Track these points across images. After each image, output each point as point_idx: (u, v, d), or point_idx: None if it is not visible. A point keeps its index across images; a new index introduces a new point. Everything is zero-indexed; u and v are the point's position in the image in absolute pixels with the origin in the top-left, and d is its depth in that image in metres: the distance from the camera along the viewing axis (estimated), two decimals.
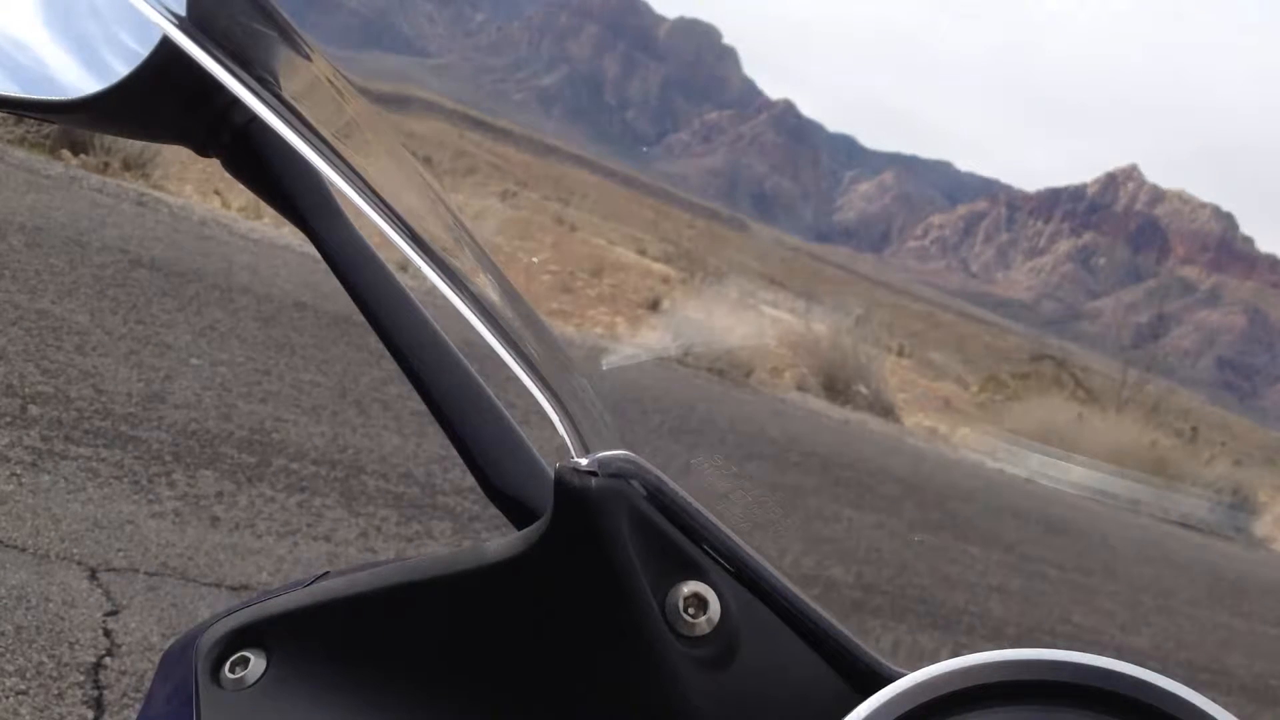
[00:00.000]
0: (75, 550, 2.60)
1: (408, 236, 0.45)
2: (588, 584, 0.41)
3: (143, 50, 0.53)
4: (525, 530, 0.43)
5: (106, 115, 0.57)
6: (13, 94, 0.57)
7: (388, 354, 0.54)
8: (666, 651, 0.40)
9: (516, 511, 0.52)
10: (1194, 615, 6.47)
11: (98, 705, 2.16)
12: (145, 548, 2.72)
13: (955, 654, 0.39)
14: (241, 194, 7.18)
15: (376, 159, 0.52)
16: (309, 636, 0.45)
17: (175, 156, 7.87)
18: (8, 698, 2.08)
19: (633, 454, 0.42)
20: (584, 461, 0.41)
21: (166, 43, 0.52)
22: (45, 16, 0.59)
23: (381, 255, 0.55)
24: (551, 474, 0.42)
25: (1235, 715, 0.36)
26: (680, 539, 0.41)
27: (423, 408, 0.54)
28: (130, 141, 6.23)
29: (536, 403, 0.43)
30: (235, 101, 0.51)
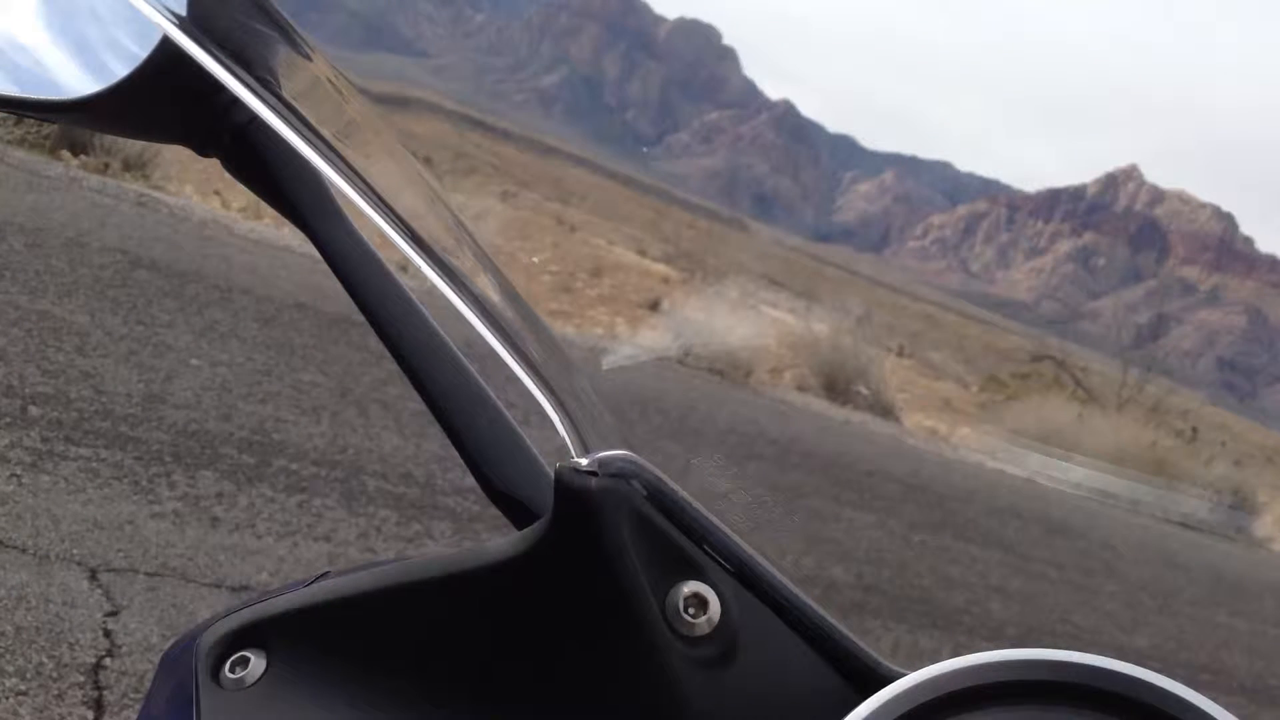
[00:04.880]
0: (75, 550, 2.60)
1: (408, 236, 0.45)
2: (588, 584, 0.41)
3: (143, 50, 0.53)
4: (525, 530, 0.43)
5: (106, 115, 0.57)
6: (13, 94, 0.57)
7: (388, 354, 0.54)
8: (666, 651, 0.40)
9: (516, 511, 0.52)
10: (1194, 615, 6.47)
11: (98, 706, 2.16)
12: (145, 548, 2.72)
13: (955, 654, 0.39)
14: (241, 194, 7.17)
15: (376, 159, 0.52)
16: (309, 636, 0.45)
17: (175, 156, 7.87)
18: (8, 698, 2.08)
19: (633, 454, 0.42)
20: (584, 461, 0.41)
21: (166, 43, 0.52)
22: (45, 17, 0.59)
23: (381, 255, 0.55)
24: (551, 474, 0.42)
25: (1235, 715, 0.36)
26: (680, 539, 0.41)
27: (423, 408, 0.54)
28: (130, 141, 6.24)
29: (536, 403, 0.43)
30: (235, 101, 0.51)
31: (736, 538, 0.42)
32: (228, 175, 0.57)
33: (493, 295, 0.49)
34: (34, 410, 3.23)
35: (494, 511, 0.53)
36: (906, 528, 5.89)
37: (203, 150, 0.57)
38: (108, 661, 2.28)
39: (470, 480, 0.54)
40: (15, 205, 5.48)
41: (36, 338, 3.78)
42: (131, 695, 2.21)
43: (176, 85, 0.53)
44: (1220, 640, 6.06)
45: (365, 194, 0.46)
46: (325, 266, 0.55)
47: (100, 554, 2.63)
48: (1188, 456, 13.82)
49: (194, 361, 4.13)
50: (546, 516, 0.42)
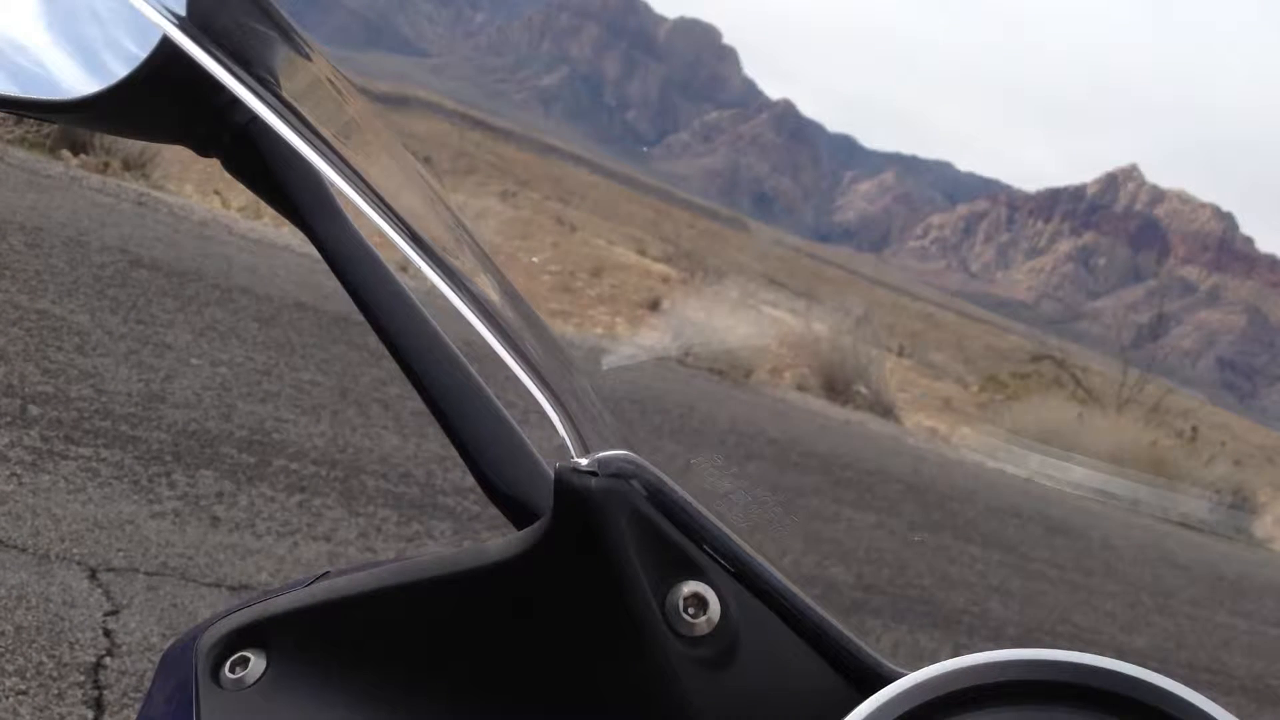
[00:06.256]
0: (75, 550, 2.60)
1: (408, 236, 0.45)
2: (588, 584, 0.41)
3: (143, 50, 0.53)
4: (525, 530, 0.43)
5: (107, 115, 0.57)
6: (13, 94, 0.57)
7: (388, 354, 0.54)
8: (666, 651, 0.40)
9: (516, 511, 0.52)
10: (1194, 615, 6.47)
11: (98, 705, 2.16)
12: (145, 548, 2.72)
13: (955, 654, 0.39)
14: (241, 194, 7.17)
15: (376, 159, 0.52)
16: (309, 636, 0.45)
17: (175, 156, 7.87)
18: (8, 698, 2.08)
19: (633, 454, 0.42)
20: (584, 461, 0.41)
21: (166, 43, 0.52)
22: (46, 17, 0.59)
23: (381, 255, 0.55)
24: (551, 474, 0.42)
25: (1235, 715, 0.36)
26: (680, 539, 0.41)
27: (423, 408, 0.54)
28: (130, 141, 6.24)
29: (536, 403, 0.43)
30: (235, 101, 0.51)
31: (736, 538, 0.42)
32: (228, 175, 0.57)
33: (493, 295, 0.49)
34: (34, 409, 3.23)
35: (494, 511, 0.53)
36: (906, 527, 5.89)
37: (203, 150, 0.57)
38: (108, 661, 2.28)
39: (470, 480, 0.54)
40: (15, 205, 5.48)
41: (36, 337, 3.78)
42: (131, 695, 2.21)
43: (176, 85, 0.53)
44: (1220, 640, 6.05)
45: (365, 194, 0.46)
46: (325, 266, 0.55)
47: (100, 553, 2.63)
48: (1188, 456, 13.81)
49: (194, 361, 4.13)
50: (546, 516, 0.42)
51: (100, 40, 0.57)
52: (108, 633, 2.36)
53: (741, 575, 0.41)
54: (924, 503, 7.00)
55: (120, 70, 0.54)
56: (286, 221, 0.57)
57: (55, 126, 6.15)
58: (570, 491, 0.41)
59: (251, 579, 2.77)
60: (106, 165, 7.42)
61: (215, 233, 6.76)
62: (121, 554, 2.66)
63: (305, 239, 0.56)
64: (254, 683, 0.45)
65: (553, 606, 0.42)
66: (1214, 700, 0.37)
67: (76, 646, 2.28)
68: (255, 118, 0.53)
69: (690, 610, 0.40)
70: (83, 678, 2.21)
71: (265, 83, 0.48)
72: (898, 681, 0.38)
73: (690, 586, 0.41)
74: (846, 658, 0.41)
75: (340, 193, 0.55)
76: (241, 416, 3.75)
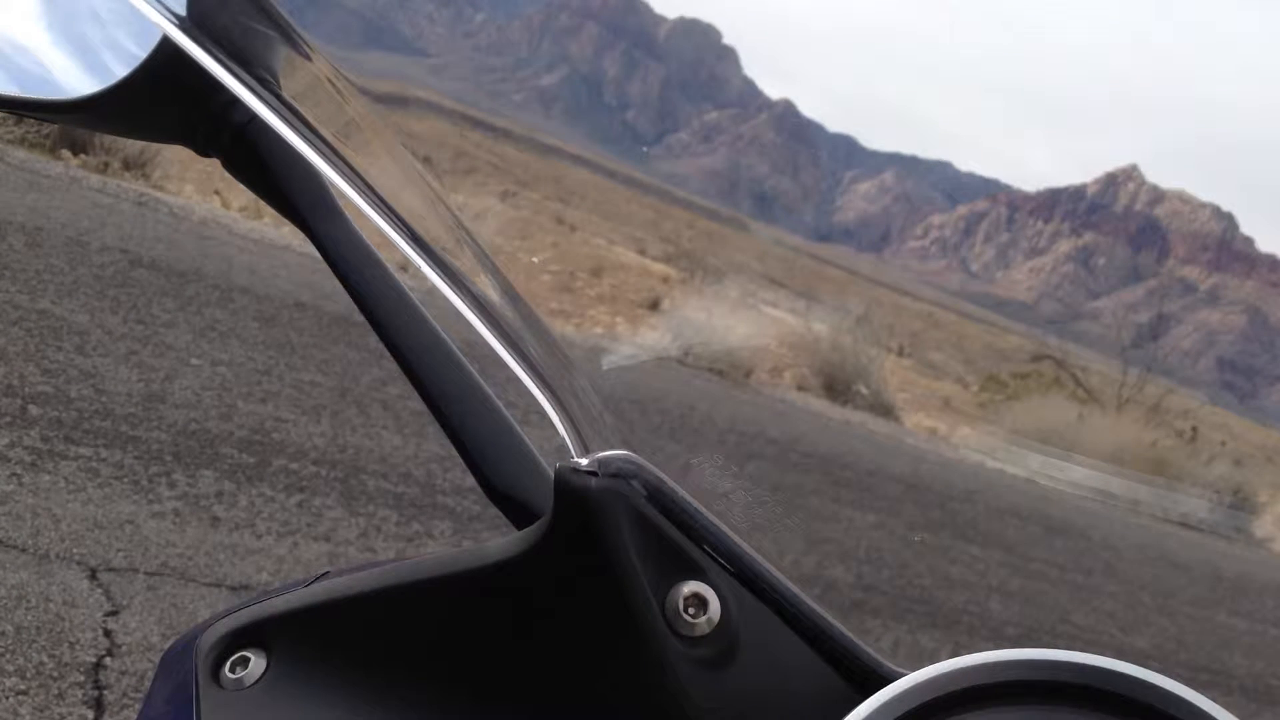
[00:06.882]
0: (75, 550, 2.60)
1: (408, 236, 0.45)
2: (588, 584, 0.41)
3: (143, 50, 0.53)
4: (525, 530, 0.43)
5: (106, 115, 0.57)
6: (13, 94, 0.57)
7: (388, 354, 0.54)
8: (666, 651, 0.40)
9: (516, 511, 0.52)
10: (1194, 615, 6.47)
11: (98, 705, 2.16)
12: (145, 548, 2.72)
13: (955, 654, 0.39)
14: (241, 194, 7.18)
15: (376, 159, 0.52)
16: (309, 636, 0.45)
17: (175, 156, 7.87)
18: (8, 698, 2.08)
19: (633, 454, 0.42)
20: (584, 461, 0.41)
21: (166, 43, 0.52)
22: (46, 17, 0.59)
23: (381, 255, 0.55)
24: (551, 474, 0.42)
25: (1235, 715, 0.36)
26: (680, 539, 0.41)
27: (423, 408, 0.54)
28: (130, 141, 6.23)
29: (536, 403, 0.43)
30: (235, 101, 0.51)
31: (736, 538, 0.42)
32: (228, 175, 0.57)
33: (493, 295, 0.49)
34: (34, 410, 3.23)
35: (494, 511, 0.53)
36: (906, 527, 5.89)
37: (203, 150, 0.57)
38: (108, 661, 2.28)
39: (470, 480, 0.54)
40: (15, 205, 5.48)
41: (36, 337, 3.78)
42: (131, 695, 2.21)
43: (176, 85, 0.53)
44: (1220, 640, 6.05)
45: (365, 194, 0.46)
46: (325, 266, 0.55)
47: (100, 553, 2.63)
48: (1188, 456, 13.81)
49: (194, 361, 4.13)
50: (546, 516, 0.42)
51: (100, 40, 0.57)
52: (108, 633, 2.36)
53: (741, 575, 0.41)
54: (924, 503, 7.00)
55: (120, 70, 0.54)
56: (286, 221, 0.57)
57: (55, 126, 6.16)
58: (570, 491, 0.41)
59: (251, 579, 2.77)
60: (106, 165, 7.42)
61: (215, 233, 6.76)
62: (121, 554, 2.66)
63: (305, 239, 0.56)
64: (254, 683, 0.45)
65: (553, 607, 0.42)
66: (1214, 700, 0.37)
67: (76, 646, 2.28)
68: (255, 118, 0.53)
69: (690, 610, 0.40)
70: (83, 678, 2.21)
71: (265, 83, 0.48)
72: (898, 681, 0.38)
73: (690, 586, 0.41)
74: (846, 658, 0.41)
75: (340, 193, 0.55)
76: (241, 416, 3.75)
